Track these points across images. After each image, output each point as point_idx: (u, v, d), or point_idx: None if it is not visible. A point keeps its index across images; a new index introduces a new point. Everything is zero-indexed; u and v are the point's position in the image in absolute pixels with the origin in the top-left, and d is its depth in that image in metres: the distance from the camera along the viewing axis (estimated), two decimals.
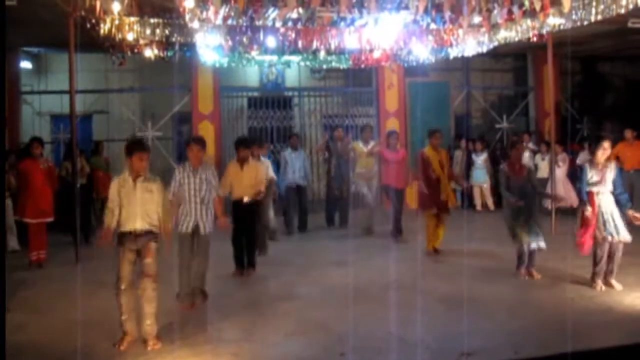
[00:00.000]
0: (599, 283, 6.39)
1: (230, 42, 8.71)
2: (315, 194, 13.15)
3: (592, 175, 6.38)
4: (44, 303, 6.34)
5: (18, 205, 8.22)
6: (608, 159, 6.48)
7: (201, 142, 6.41)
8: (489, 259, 7.84)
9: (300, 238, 10.08)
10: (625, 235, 6.32)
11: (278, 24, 8.43)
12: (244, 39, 8.71)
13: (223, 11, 7.59)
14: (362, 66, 11.87)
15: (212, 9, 7.21)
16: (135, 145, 5.26)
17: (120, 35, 8.34)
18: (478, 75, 15.20)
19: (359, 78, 13.78)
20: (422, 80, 13.77)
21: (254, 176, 7.47)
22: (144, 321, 5.05)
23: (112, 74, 12.71)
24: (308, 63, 11.93)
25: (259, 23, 8.28)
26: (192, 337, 5.15)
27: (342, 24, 8.78)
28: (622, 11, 7.17)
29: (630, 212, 6.38)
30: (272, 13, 7.99)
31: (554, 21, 7.89)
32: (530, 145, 12.53)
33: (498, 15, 7.88)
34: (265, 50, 9.70)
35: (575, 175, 8.94)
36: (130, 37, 8.51)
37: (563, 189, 10.95)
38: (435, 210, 8.20)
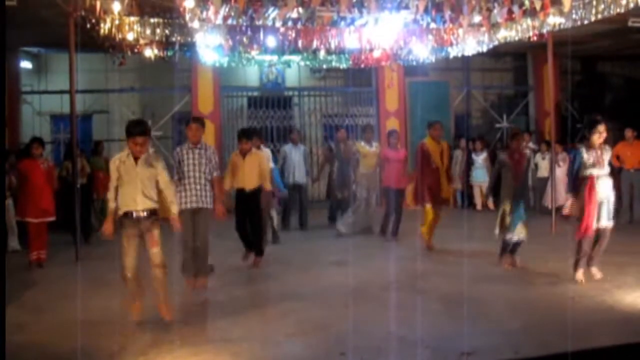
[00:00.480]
0: (580, 273, 6.43)
1: (230, 42, 8.72)
2: (315, 194, 13.15)
3: (588, 157, 6.35)
4: (44, 303, 6.34)
5: (18, 206, 8.21)
6: (603, 143, 6.47)
7: (200, 121, 6.61)
8: (489, 258, 7.82)
9: (300, 237, 10.07)
10: (610, 222, 6.40)
11: (278, 24, 8.45)
12: (244, 39, 8.72)
13: (223, 11, 7.60)
14: (362, 66, 11.89)
15: (212, 8, 7.22)
16: (131, 129, 5.17)
17: (120, 35, 8.35)
18: (478, 74, 15.21)
19: (359, 78, 13.79)
20: (422, 80, 13.79)
21: (256, 165, 7.46)
22: (158, 297, 5.33)
23: (112, 73, 12.71)
24: (308, 63, 11.95)
25: (259, 23, 8.29)
26: (192, 337, 5.15)
27: (342, 23, 8.80)
28: (622, 10, 7.18)
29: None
30: (272, 13, 8.01)
31: (554, 20, 7.90)
32: (531, 144, 12.53)
33: (498, 14, 7.88)
34: (265, 50, 9.71)
35: None
36: (130, 37, 8.52)
37: (563, 188, 10.92)
38: (433, 203, 8.19)
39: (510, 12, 7.78)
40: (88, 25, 8.03)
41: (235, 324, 5.49)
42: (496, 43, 9.50)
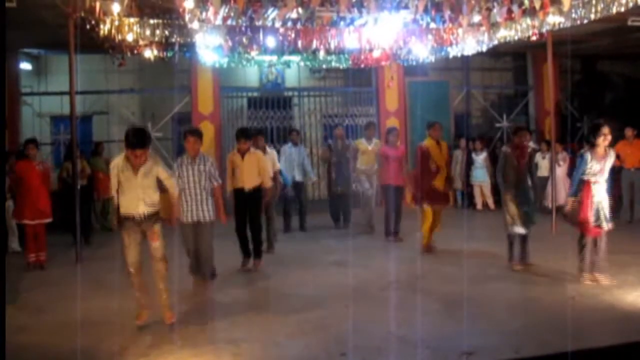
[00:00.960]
0: (587, 277, 6.42)
1: (229, 43, 8.72)
2: (315, 193, 13.16)
3: (592, 165, 6.36)
4: (44, 304, 6.34)
5: (15, 208, 8.18)
6: (608, 147, 6.47)
7: (197, 133, 6.53)
8: (489, 258, 7.83)
9: (300, 237, 10.07)
10: (609, 224, 6.39)
11: (278, 24, 8.44)
12: (244, 39, 8.71)
13: (223, 11, 7.59)
14: (362, 66, 11.89)
15: (211, 9, 7.21)
16: (130, 140, 5.09)
17: (120, 36, 8.35)
18: (478, 74, 15.21)
19: (359, 78, 13.79)
20: (422, 80, 13.79)
21: (255, 165, 7.43)
22: (161, 296, 5.37)
23: (112, 74, 12.71)
24: (308, 63, 11.95)
25: (258, 23, 8.28)
26: (192, 337, 5.15)
27: (342, 23, 8.79)
28: (622, 9, 7.17)
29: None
30: (272, 13, 8.00)
31: (554, 20, 7.89)
32: (531, 144, 12.51)
33: (498, 14, 7.87)
34: (264, 51, 9.70)
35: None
36: (129, 38, 8.52)
37: (563, 187, 10.94)
38: (432, 203, 8.18)
39: (509, 11, 7.78)
40: (88, 27, 8.03)
41: (235, 325, 5.50)
42: (496, 42, 9.49)
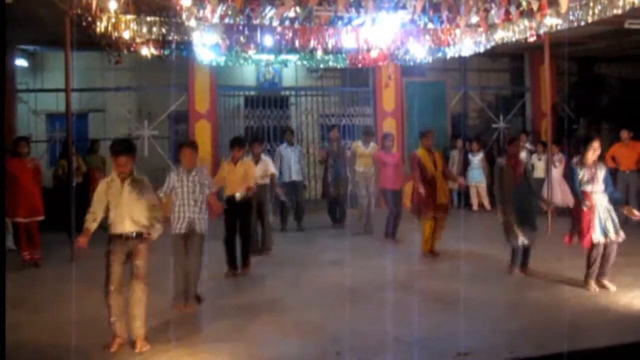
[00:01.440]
0: (592, 284, 6.38)
1: (227, 41, 8.71)
2: (312, 193, 13.15)
3: (583, 174, 6.38)
4: (40, 302, 6.32)
5: (8, 206, 8.12)
6: (598, 159, 6.49)
7: (193, 145, 6.44)
8: (485, 259, 7.84)
9: (297, 237, 10.06)
10: (620, 234, 6.33)
11: (275, 23, 8.42)
12: (241, 38, 8.70)
13: (220, 10, 7.58)
14: (359, 66, 11.88)
15: (209, 7, 7.20)
16: (114, 148, 5.03)
17: (116, 34, 8.33)
18: (475, 75, 15.21)
19: (356, 78, 13.78)
20: (419, 80, 13.79)
21: (243, 173, 7.47)
22: (133, 323, 4.99)
23: (109, 72, 12.67)
24: (305, 62, 11.94)
25: (256, 22, 8.27)
26: (188, 337, 5.14)
27: (340, 23, 8.79)
28: (619, 12, 7.20)
29: (627, 209, 6.43)
30: (269, 12, 7.99)
31: (551, 21, 7.91)
32: (527, 145, 12.55)
33: (495, 15, 7.88)
34: (262, 49, 9.69)
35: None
36: (126, 35, 8.49)
37: (559, 189, 10.95)
38: (432, 213, 8.14)
39: (507, 12, 7.79)
40: (84, 24, 7.99)
41: (232, 325, 5.48)
42: (493, 44, 9.50)
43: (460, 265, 7.43)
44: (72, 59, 8.72)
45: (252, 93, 13.77)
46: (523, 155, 10.98)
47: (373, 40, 9.16)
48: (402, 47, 10.02)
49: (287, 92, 14.09)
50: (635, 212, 6.41)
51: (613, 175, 10.02)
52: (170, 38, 8.92)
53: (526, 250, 7.11)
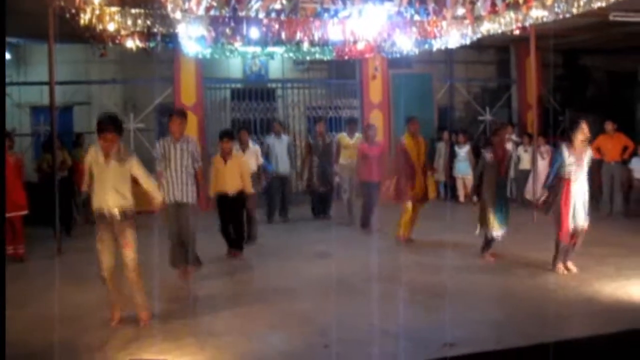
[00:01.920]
0: (561, 267, 6.59)
1: (213, 33, 8.64)
2: (298, 186, 13.13)
3: (569, 157, 6.46)
4: (25, 297, 6.26)
5: None
6: (585, 143, 6.56)
7: (182, 113, 6.55)
8: (471, 250, 7.87)
9: (282, 229, 10.06)
10: (585, 222, 6.53)
11: (261, 15, 8.38)
12: (227, 30, 8.64)
13: (205, 1, 7.53)
14: (346, 58, 11.86)
15: None
16: (100, 125, 5.00)
17: (100, 26, 8.23)
18: (461, 67, 15.25)
19: (343, 70, 13.76)
20: (406, 72, 13.80)
21: (237, 170, 7.51)
22: (134, 299, 5.23)
23: (93, 65, 12.55)
24: (291, 54, 11.89)
25: (242, 14, 8.22)
26: (174, 330, 5.12)
27: (326, 15, 8.75)
28: (603, 4, 7.24)
29: None
30: (255, 4, 7.95)
31: (537, 14, 7.93)
32: (513, 137, 12.62)
33: (481, 7, 7.91)
34: (248, 42, 9.62)
35: None
36: (111, 27, 8.39)
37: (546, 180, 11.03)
38: (412, 200, 8.21)
39: (493, 4, 7.81)
40: (67, 16, 7.89)
41: (218, 318, 5.48)
42: (479, 36, 9.51)
43: (446, 256, 7.47)
44: (57, 52, 8.62)
45: (239, 85, 13.71)
46: (509, 147, 11.05)
47: (359, 33, 9.13)
48: (389, 39, 10.00)
49: (274, 85, 14.04)
50: None
51: (598, 166, 10.15)
52: (155, 30, 8.84)
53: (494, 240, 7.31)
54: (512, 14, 8.37)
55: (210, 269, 7.24)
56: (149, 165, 6.60)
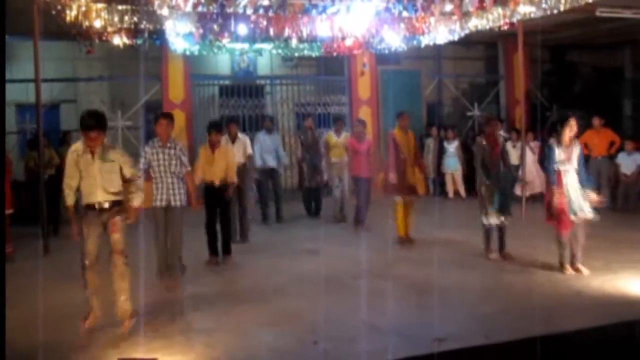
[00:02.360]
0: (568, 268, 6.50)
1: (200, 30, 8.61)
2: (288, 184, 13.11)
3: (559, 153, 6.50)
4: (12, 297, 6.16)
5: None
6: (574, 138, 6.60)
7: (169, 116, 6.48)
8: (461, 245, 7.91)
9: (274, 226, 10.03)
10: (588, 213, 6.42)
11: (249, 12, 8.34)
12: (215, 27, 8.61)
13: None
14: (334, 54, 11.85)
15: None
16: (84, 122, 4.90)
17: (87, 23, 8.17)
18: (449, 63, 15.28)
19: (331, 66, 13.75)
20: (394, 68, 13.81)
21: (224, 160, 7.43)
22: (118, 297, 5.00)
23: (80, 62, 12.45)
24: (280, 51, 11.87)
25: (230, 10, 8.18)
26: (164, 328, 5.10)
27: (314, 11, 8.74)
28: (590, 0, 7.28)
29: (592, 196, 6.53)
30: (243, 0, 7.91)
31: (525, 9, 7.97)
32: (502, 132, 12.66)
33: (469, 3, 7.94)
34: (236, 38, 9.59)
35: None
36: (97, 24, 8.34)
37: (538, 176, 11.10)
38: (402, 194, 8.21)
39: (481, 0, 7.84)
40: (53, 12, 7.82)
41: (207, 315, 5.46)
42: (467, 32, 9.54)
43: (435, 252, 7.48)
44: (43, 49, 8.53)
45: (227, 82, 13.66)
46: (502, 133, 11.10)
47: (348, 29, 9.14)
48: (377, 36, 10.02)
49: (262, 81, 14.00)
50: (594, 197, 6.51)
51: (585, 161, 10.21)
52: (142, 27, 8.79)
53: (501, 233, 7.22)
54: (499, 10, 8.41)
55: (199, 267, 7.21)
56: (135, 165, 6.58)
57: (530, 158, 11.45)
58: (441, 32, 9.72)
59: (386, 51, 11.39)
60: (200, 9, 8.06)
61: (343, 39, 10.29)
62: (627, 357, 4.53)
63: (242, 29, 8.69)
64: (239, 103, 13.33)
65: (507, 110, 15.14)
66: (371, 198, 9.28)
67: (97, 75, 13.02)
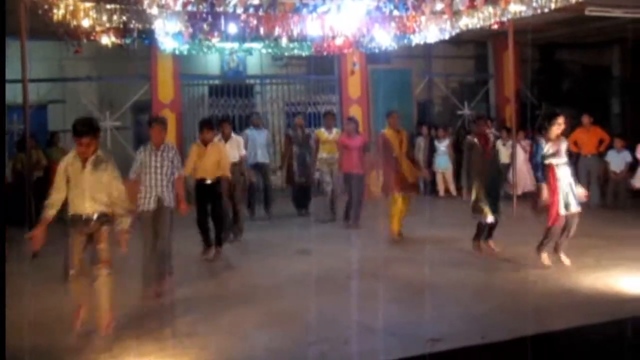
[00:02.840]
0: (545, 257, 6.58)
1: (190, 29, 8.56)
2: (278, 182, 13.07)
3: (548, 148, 6.55)
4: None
5: None
6: (560, 135, 6.66)
7: (162, 121, 6.45)
8: (452, 244, 7.91)
9: (264, 225, 9.98)
10: (577, 207, 6.53)
11: (239, 11, 8.29)
12: (205, 26, 8.56)
13: None
14: (325, 53, 11.83)
15: None
16: (77, 129, 4.82)
17: (75, 22, 8.07)
18: (440, 62, 15.29)
19: (321, 65, 13.71)
20: (385, 67, 13.81)
21: (217, 157, 7.39)
22: (97, 312, 4.92)
23: (68, 62, 12.31)
24: (270, 50, 11.82)
25: (219, 9, 8.12)
26: (157, 331, 5.04)
27: (305, 10, 8.70)
28: None
29: (579, 190, 6.65)
30: None
31: (515, 8, 7.98)
32: (492, 131, 12.69)
33: (460, 2, 7.93)
34: (226, 38, 9.54)
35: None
36: (85, 23, 8.25)
37: (526, 173, 11.14)
38: (400, 192, 8.21)
39: None
40: (40, 11, 7.72)
41: (201, 317, 5.41)
42: (458, 31, 9.55)
43: (428, 251, 7.48)
44: (30, 49, 8.42)
45: (217, 82, 13.60)
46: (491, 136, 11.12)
47: (338, 28, 9.11)
48: (367, 35, 10.00)
49: (252, 81, 13.96)
50: (581, 191, 6.61)
51: (575, 159, 10.25)
52: (131, 26, 8.70)
53: (491, 227, 7.30)
54: (490, 9, 8.42)
55: (190, 267, 7.16)
56: (125, 165, 6.51)
57: (522, 156, 11.48)
58: (432, 31, 9.72)
59: (376, 50, 11.39)
60: (190, 7, 8.00)
61: (333, 38, 10.26)
62: (619, 355, 4.54)
63: (232, 28, 8.64)
64: (229, 103, 13.28)
65: (497, 108, 15.19)
66: (363, 195, 9.27)
67: (85, 75, 12.90)
